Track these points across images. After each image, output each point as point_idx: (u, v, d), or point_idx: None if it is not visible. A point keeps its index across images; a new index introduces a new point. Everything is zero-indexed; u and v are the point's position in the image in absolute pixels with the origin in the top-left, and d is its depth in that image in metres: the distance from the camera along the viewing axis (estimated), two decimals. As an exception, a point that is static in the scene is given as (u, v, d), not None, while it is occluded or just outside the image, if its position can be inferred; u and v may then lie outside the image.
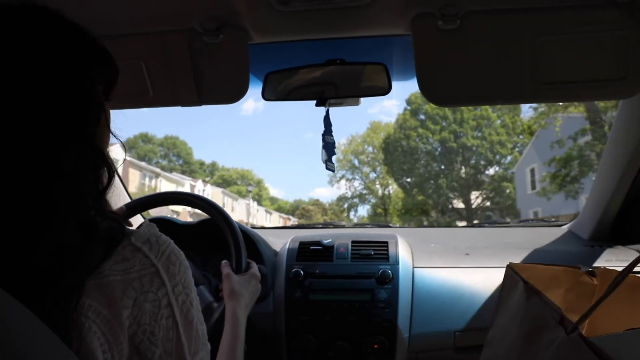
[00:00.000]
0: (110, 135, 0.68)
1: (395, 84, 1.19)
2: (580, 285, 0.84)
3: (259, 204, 41.77)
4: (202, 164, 42.17)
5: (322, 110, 1.24)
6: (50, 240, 0.51)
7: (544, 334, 0.59)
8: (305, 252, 1.42)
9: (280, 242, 1.53)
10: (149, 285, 0.57)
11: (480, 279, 1.35)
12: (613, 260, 1.39)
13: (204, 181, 31.93)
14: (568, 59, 1.01)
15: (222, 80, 1.15)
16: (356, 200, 32.97)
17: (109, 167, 0.60)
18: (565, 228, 1.74)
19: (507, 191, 24.89)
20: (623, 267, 0.58)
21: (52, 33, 0.57)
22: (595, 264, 1.37)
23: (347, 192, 33.38)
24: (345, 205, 33.40)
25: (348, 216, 33.17)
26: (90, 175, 0.58)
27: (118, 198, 1.68)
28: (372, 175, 32.05)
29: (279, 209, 45.05)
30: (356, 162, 31.36)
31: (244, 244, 1.14)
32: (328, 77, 1.23)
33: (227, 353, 0.93)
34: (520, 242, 1.59)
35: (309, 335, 1.30)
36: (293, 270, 1.35)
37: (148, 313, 0.56)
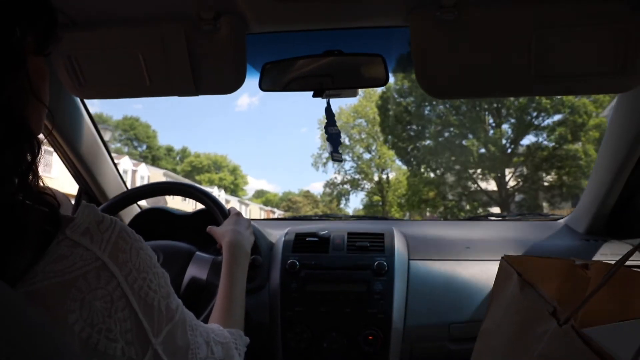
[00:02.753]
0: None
1: (392, 76, 1.19)
2: (574, 277, 0.84)
3: (235, 194, 36.26)
4: (170, 149, 37.12)
5: (318, 103, 1.24)
6: None
7: (537, 325, 0.60)
8: (301, 243, 1.42)
9: (277, 234, 1.53)
10: (96, 282, 0.50)
11: (476, 272, 1.35)
12: (608, 254, 1.40)
13: (133, 160, 25.70)
14: (567, 51, 1.01)
15: (219, 70, 1.15)
16: (347, 186, 26.76)
17: (30, 140, 0.51)
18: (561, 222, 1.75)
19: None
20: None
21: None
22: (591, 258, 1.38)
23: (335, 177, 27.45)
24: (334, 193, 27.55)
25: (338, 206, 27.75)
26: (6, 151, 0.48)
27: (114, 186, 1.68)
28: (367, 156, 25.60)
29: (267, 202, 40.84)
30: (346, 140, 24.86)
31: (220, 201, 1.25)
32: (326, 68, 1.22)
33: (224, 288, 0.93)
34: (516, 236, 1.60)
35: (304, 325, 1.30)
36: (289, 261, 1.36)
37: (100, 311, 0.49)
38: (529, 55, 1.01)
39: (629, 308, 0.78)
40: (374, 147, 25.29)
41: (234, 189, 37.42)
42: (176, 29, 1.09)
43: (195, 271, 1.15)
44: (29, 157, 0.51)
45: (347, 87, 1.25)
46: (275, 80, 1.25)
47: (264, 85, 1.23)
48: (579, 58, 1.01)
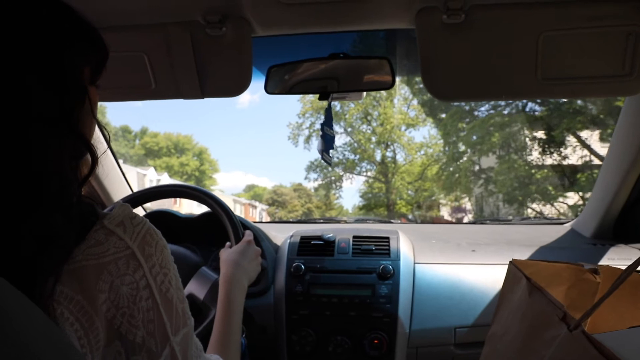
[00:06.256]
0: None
1: (398, 79, 1.18)
2: (583, 282, 0.84)
3: (199, 182, 29.77)
4: (126, 130, 29.91)
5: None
6: (34, 227, 0.50)
7: (546, 330, 0.59)
8: (307, 246, 1.42)
9: (282, 237, 1.52)
10: (125, 268, 0.56)
11: (482, 276, 1.35)
12: (615, 259, 1.39)
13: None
14: (574, 54, 1.00)
15: (224, 73, 1.15)
16: (339, 170, 20.06)
17: (92, 153, 0.59)
18: (567, 226, 1.74)
19: None
20: (625, 266, 0.57)
21: (32, 8, 0.55)
22: (598, 263, 1.37)
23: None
24: (317, 178, 20.68)
25: (328, 198, 21.57)
26: (74, 161, 0.57)
27: (119, 189, 1.68)
28: (365, 128, 18.81)
29: (256, 196, 34.77)
30: (338, 106, 17.79)
31: (237, 220, 1.22)
32: (331, 71, 1.22)
33: (220, 322, 0.92)
34: (522, 240, 1.59)
35: (309, 329, 1.29)
36: (294, 264, 1.35)
37: (126, 296, 0.55)
38: (536, 58, 1.01)
39: (638, 313, 0.77)
40: (375, 115, 18.45)
41: (199, 177, 31.01)
42: (182, 32, 1.09)
43: (194, 288, 1.13)
44: (87, 168, 0.60)
45: (352, 90, 1.25)
46: (281, 83, 1.25)
47: (270, 88, 1.23)
48: (587, 61, 1.00)
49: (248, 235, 1.17)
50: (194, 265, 1.19)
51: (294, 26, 1.13)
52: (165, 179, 23.74)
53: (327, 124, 1.26)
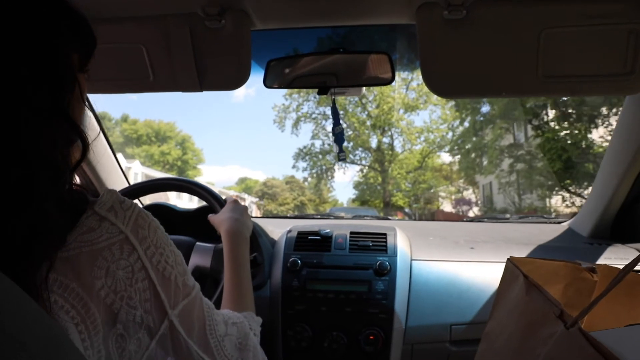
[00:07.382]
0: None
1: (398, 74, 1.18)
2: (580, 281, 0.83)
3: (182, 173, 27.45)
4: (105, 118, 22.70)
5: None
6: (29, 217, 0.49)
7: (542, 328, 0.59)
8: (303, 241, 1.42)
9: (279, 232, 1.52)
10: (120, 253, 0.56)
11: (479, 273, 1.34)
12: (612, 258, 1.39)
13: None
14: (575, 52, 1.00)
15: (223, 66, 1.14)
16: (330, 157, 18.13)
17: (83, 140, 0.59)
18: (565, 225, 1.74)
19: None
20: (623, 265, 0.57)
21: None
22: (595, 262, 1.37)
23: (312, 144, 19.74)
24: (307, 167, 18.54)
25: (319, 189, 20.04)
26: (65, 148, 0.56)
27: (111, 173, 1.67)
28: (359, 110, 16.84)
29: (247, 189, 33.34)
30: None
31: (214, 191, 1.27)
32: (331, 66, 1.21)
33: (230, 275, 0.94)
34: (520, 238, 1.59)
35: (305, 324, 1.29)
36: (290, 259, 1.35)
37: (122, 280, 0.56)
38: (536, 55, 1.00)
39: (635, 312, 0.77)
40: (371, 97, 16.42)
41: (182, 167, 28.41)
42: (181, 24, 1.08)
43: (198, 260, 1.17)
44: (78, 155, 0.60)
45: (352, 86, 1.24)
46: (280, 77, 1.24)
47: (269, 82, 1.22)
48: (588, 59, 1.00)
49: (230, 198, 1.21)
50: (189, 244, 1.23)
51: (293, 20, 1.13)
52: (137, 167, 22.38)
53: (336, 123, 1.25)
